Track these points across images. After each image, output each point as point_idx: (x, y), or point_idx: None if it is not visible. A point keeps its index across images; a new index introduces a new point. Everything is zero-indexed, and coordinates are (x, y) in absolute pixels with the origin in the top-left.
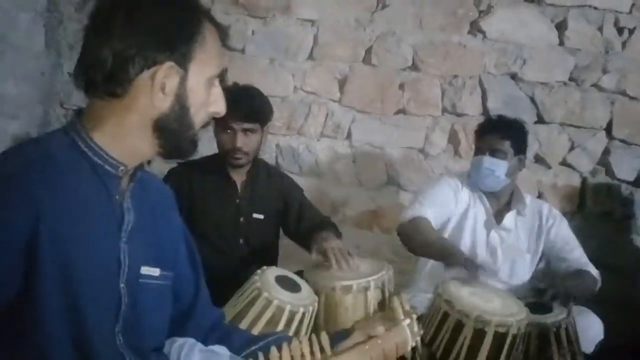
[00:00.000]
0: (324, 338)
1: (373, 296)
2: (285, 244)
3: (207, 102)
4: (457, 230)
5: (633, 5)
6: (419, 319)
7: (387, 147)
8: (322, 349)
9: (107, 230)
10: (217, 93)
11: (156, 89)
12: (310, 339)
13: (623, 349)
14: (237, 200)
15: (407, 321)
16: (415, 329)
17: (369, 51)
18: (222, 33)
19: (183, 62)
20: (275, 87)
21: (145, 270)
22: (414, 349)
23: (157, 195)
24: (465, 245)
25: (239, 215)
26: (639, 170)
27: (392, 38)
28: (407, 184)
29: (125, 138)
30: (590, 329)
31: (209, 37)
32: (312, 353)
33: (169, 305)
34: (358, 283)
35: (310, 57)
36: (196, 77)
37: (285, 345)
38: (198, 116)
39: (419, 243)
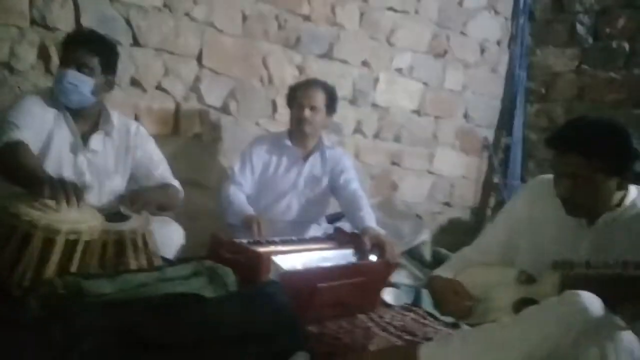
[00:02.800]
0: None
1: None
2: None
3: None
4: (41, 154)
5: None
6: None
7: None
8: None
9: None
10: None
11: None
12: None
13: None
14: None
15: None
16: None
17: None
18: None
19: None
20: None
21: None
22: None
23: None
24: (51, 169)
25: None
26: (225, 98)
27: None
28: None
29: None
30: (172, 236)
31: None
32: None
33: None
34: None
35: None
36: None
37: None
38: None
39: (13, 169)
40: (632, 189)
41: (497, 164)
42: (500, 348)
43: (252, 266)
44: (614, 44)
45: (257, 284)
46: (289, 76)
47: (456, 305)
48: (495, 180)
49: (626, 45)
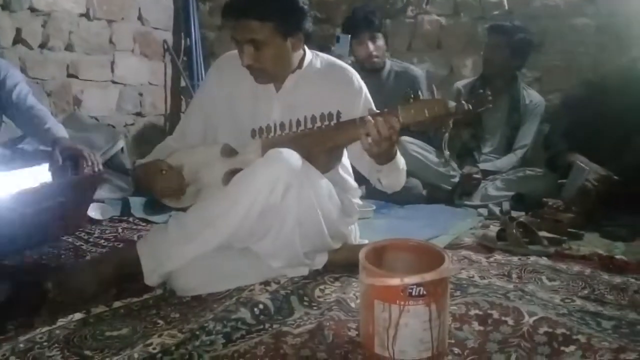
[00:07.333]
0: None
1: None
2: None
3: None
4: None
5: None
6: None
7: None
8: None
9: None
10: None
11: None
12: None
13: None
14: None
15: None
16: None
17: None
18: None
19: None
20: None
21: None
22: None
23: None
24: None
25: None
26: None
27: None
28: None
29: None
30: None
31: None
32: None
33: None
34: None
35: None
36: None
37: None
38: None
39: None
40: (308, 51)
41: (181, 67)
42: (216, 219)
43: None
44: None
45: None
46: None
47: (166, 181)
48: (183, 83)
49: None
